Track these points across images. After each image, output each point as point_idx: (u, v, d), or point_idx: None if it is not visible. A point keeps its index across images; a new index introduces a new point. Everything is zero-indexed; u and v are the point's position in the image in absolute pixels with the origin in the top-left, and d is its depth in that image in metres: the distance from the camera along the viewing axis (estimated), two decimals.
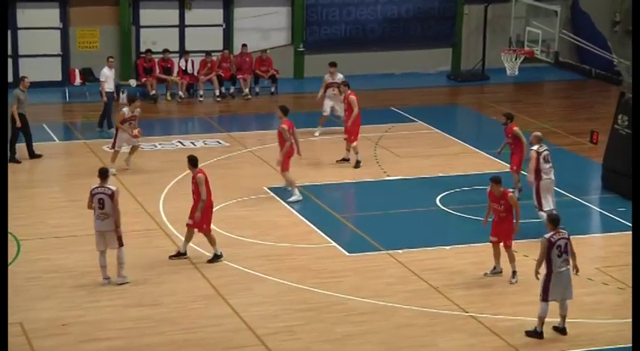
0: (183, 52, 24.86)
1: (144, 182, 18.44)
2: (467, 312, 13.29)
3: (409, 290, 13.96)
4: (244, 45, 24.88)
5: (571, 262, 12.68)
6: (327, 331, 12.79)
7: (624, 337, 12.66)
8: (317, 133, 21.28)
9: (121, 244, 13.92)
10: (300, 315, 13.18)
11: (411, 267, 14.70)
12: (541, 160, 15.93)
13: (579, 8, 27.27)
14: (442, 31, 27.07)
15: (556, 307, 12.63)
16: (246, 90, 24.54)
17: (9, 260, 14.27)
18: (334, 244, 15.60)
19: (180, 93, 24.18)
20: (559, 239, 12.44)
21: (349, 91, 19.39)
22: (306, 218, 16.64)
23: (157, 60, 24.18)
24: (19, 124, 19.04)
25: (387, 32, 26.69)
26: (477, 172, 19.01)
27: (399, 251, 15.27)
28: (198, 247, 15.25)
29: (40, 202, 17.19)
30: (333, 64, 21.41)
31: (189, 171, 18.66)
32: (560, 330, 12.67)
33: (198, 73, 24.41)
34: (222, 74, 24.55)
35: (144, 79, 23.99)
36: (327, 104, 21.29)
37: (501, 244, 14.26)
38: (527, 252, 15.19)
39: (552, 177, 16.10)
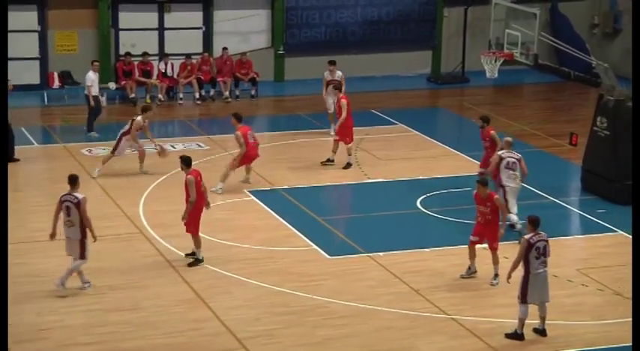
0: (162, 55, 24.78)
1: (123, 186, 18.35)
2: (448, 314, 13.31)
3: (390, 293, 13.96)
4: (225, 48, 24.84)
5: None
6: (308, 334, 12.77)
7: (604, 339, 12.73)
8: (332, 132, 21.07)
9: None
10: (280, 318, 13.15)
11: (391, 269, 14.71)
12: (502, 166, 15.92)
13: (558, 11, 27.42)
14: (422, 33, 27.13)
15: (535, 308, 12.67)
16: (227, 93, 24.49)
17: None
18: (315, 247, 15.58)
19: (160, 96, 24.11)
20: (538, 241, 12.49)
21: (341, 95, 19.47)
22: (286, 221, 16.62)
23: (136, 63, 24.09)
24: None
25: (367, 35, 26.73)
26: (458, 174, 19.06)
27: (380, 254, 15.28)
28: (179, 250, 15.19)
29: (20, 206, 17.07)
30: (332, 63, 21.46)
31: (169, 174, 18.58)
32: (540, 331, 12.71)
33: (177, 75, 24.34)
34: (202, 77, 24.50)
35: (123, 82, 23.90)
36: (329, 101, 21.28)
37: (482, 245, 14.27)
38: (508, 254, 15.23)
39: (513, 185, 15.96)
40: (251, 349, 12.36)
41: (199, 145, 20.71)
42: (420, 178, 18.80)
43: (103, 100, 22.64)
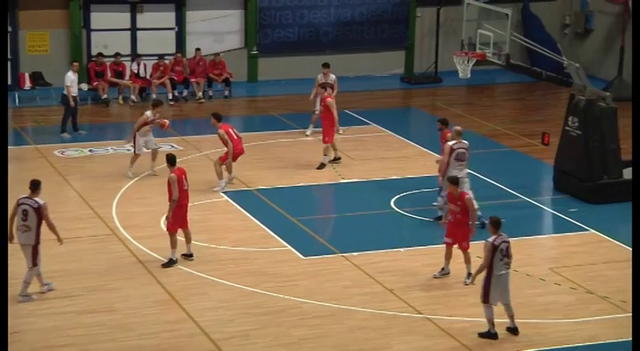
0: (135, 56, 24.67)
1: (96, 187, 18.25)
2: (422, 314, 13.36)
3: (364, 293, 13.99)
4: (198, 49, 24.77)
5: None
6: (283, 334, 12.77)
7: (576, 337, 12.83)
8: (308, 132, 21.26)
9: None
10: (255, 319, 13.14)
11: (366, 269, 14.73)
12: (452, 157, 16.05)
13: (530, 11, 27.59)
14: (395, 34, 27.21)
15: (501, 308, 12.72)
16: (200, 93, 24.42)
17: None
18: (289, 247, 15.58)
19: (133, 97, 24.00)
20: (501, 243, 12.57)
21: (326, 94, 19.55)
22: (261, 222, 16.61)
23: (108, 63, 23.97)
24: None
25: (340, 35, 26.75)
26: (431, 174, 19.07)
27: (354, 254, 15.30)
28: (152, 251, 15.14)
29: None
30: (326, 65, 21.50)
31: (142, 175, 18.53)
32: (512, 330, 12.78)
33: (150, 76, 24.24)
34: (175, 78, 24.42)
35: (95, 82, 23.76)
36: (318, 103, 21.28)
37: (456, 246, 14.34)
38: (482, 253, 15.31)
39: (461, 175, 16.04)
40: (226, 350, 12.34)
41: (172, 146, 20.63)
42: (394, 178, 18.85)
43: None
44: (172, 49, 25.32)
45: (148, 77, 24.26)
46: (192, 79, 24.53)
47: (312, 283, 14.32)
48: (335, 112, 19.33)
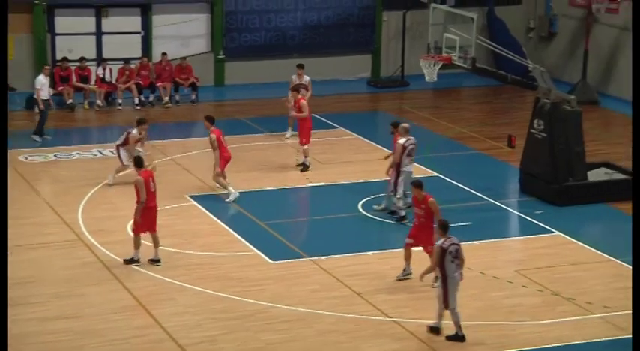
0: (100, 60, 24.52)
1: (62, 192, 18.12)
2: (390, 317, 13.39)
3: (333, 296, 14.00)
4: (164, 54, 24.66)
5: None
6: (251, 339, 12.75)
7: (542, 339, 12.93)
8: (288, 135, 21.24)
9: None
10: (223, 324, 13.11)
11: (334, 273, 14.75)
12: (404, 153, 16.48)
13: (495, 15, 27.78)
14: (362, 37, 27.28)
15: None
16: (166, 98, 24.32)
17: None
18: (257, 251, 15.56)
19: (99, 101, 23.85)
20: (450, 245, 12.65)
21: (299, 96, 19.60)
22: (228, 226, 16.57)
23: (73, 68, 23.80)
24: None
25: (307, 39, 26.78)
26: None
27: (323, 258, 15.31)
28: (119, 257, 15.05)
29: None
30: (300, 66, 21.53)
31: (107, 180, 18.41)
32: (435, 329, 12.80)
33: (116, 81, 24.11)
34: (142, 82, 24.30)
35: (60, 87, 23.57)
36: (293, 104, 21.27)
37: (419, 248, 14.38)
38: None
39: (410, 170, 16.69)
40: None
41: (139, 151, 20.48)
42: (361, 181, 18.88)
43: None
44: (138, 53, 25.20)
45: (113, 82, 24.12)
46: (159, 84, 24.43)
47: (280, 287, 14.31)
48: (305, 114, 19.36)
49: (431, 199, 14.29)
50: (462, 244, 15.92)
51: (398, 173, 16.64)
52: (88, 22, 25.05)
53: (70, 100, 23.58)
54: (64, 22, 24.87)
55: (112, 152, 20.23)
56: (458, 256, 12.68)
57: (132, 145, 18.04)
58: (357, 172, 19.44)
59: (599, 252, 15.76)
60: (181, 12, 25.91)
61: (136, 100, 24.03)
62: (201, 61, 25.79)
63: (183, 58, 24.88)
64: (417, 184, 14.38)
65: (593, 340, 12.95)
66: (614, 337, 13.00)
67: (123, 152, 18.18)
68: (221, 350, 12.46)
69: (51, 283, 14.12)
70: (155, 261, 14.86)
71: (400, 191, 16.68)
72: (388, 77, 27.30)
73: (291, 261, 15.25)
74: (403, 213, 16.62)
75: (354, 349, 12.59)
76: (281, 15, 26.52)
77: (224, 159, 17.65)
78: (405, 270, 14.48)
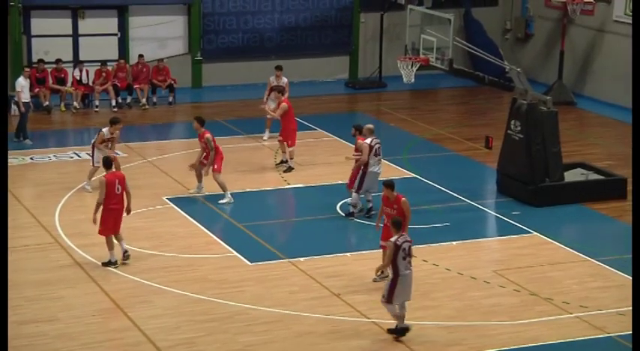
0: (77, 62, 24.38)
1: (38, 195, 18.01)
2: (369, 318, 13.40)
3: (311, 298, 13.99)
4: (141, 55, 24.57)
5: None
6: (230, 341, 12.71)
7: (520, 338, 12.97)
8: (265, 137, 21.25)
9: None
10: (201, 326, 13.07)
11: (312, 275, 14.74)
12: (371, 153, 16.65)
13: (471, 16, 27.88)
14: (339, 39, 27.30)
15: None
16: (144, 100, 24.23)
17: None
18: (235, 253, 15.52)
19: (75, 103, 23.72)
20: (404, 242, 12.69)
21: (283, 98, 19.62)
22: (206, 228, 16.53)
23: (49, 70, 23.66)
24: None
25: (284, 41, 26.76)
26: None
27: (301, 259, 15.30)
28: (96, 259, 14.97)
29: None
30: (279, 68, 21.50)
31: (85, 183, 18.32)
32: (401, 330, 12.82)
33: (93, 83, 23.99)
34: (119, 84, 24.20)
35: (36, 89, 23.39)
36: (270, 106, 21.25)
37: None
38: (427, 257, 15.44)
39: (378, 170, 16.83)
40: None
41: (117, 153, 20.40)
42: (340, 182, 18.88)
43: (15, 108, 22.28)
44: (115, 55, 25.08)
45: (90, 84, 23.99)
46: (136, 86, 24.33)
47: (259, 289, 14.28)
48: (280, 112, 19.34)
49: (403, 198, 14.29)
50: (440, 244, 16.09)
51: (364, 172, 16.73)
52: (64, 24, 24.90)
53: (47, 103, 23.44)
54: (39, 23, 24.72)
55: (88, 154, 20.15)
56: (410, 254, 12.73)
57: (98, 145, 17.84)
58: (336, 174, 19.44)
59: (575, 252, 15.85)
60: (158, 13, 25.82)
61: (113, 102, 23.92)
62: (178, 62, 25.72)
63: (161, 60, 24.79)
64: (389, 184, 14.37)
65: (571, 339, 13.02)
66: (591, 337, 13.07)
67: (96, 151, 18.06)
68: None
69: (27, 287, 14.02)
70: (123, 253, 14.83)
71: (363, 189, 16.76)
72: (366, 78, 27.34)
73: (270, 263, 15.23)
74: (354, 210, 16.83)
75: (333, 350, 12.58)
76: (258, 17, 26.49)
77: (220, 157, 17.66)
78: (382, 272, 14.48)
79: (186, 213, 17.16)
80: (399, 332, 12.75)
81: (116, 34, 25.47)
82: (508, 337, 12.98)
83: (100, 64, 24.11)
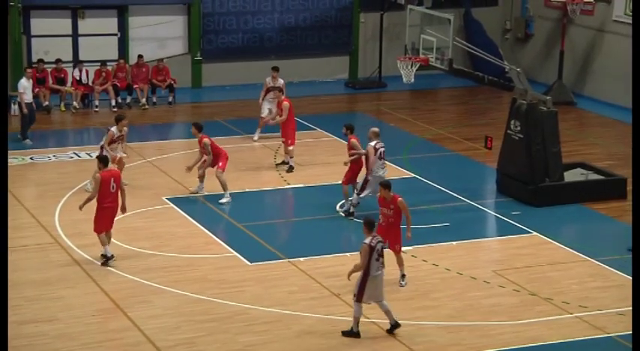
0: (77, 62, 24.38)
1: (38, 195, 18.01)
2: (368, 318, 13.39)
3: (311, 298, 13.99)
4: (140, 56, 24.56)
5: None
6: (230, 341, 12.71)
7: (520, 338, 12.98)
8: (256, 137, 21.31)
9: None
10: (201, 326, 13.07)
11: (312, 275, 14.74)
12: (376, 156, 16.58)
13: (471, 16, 27.89)
14: (339, 39, 27.30)
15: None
16: (143, 100, 24.23)
17: None
18: (235, 253, 15.52)
19: (75, 103, 23.72)
20: (377, 243, 12.70)
21: (283, 97, 19.60)
22: (206, 228, 16.52)
23: (49, 70, 23.66)
24: None
25: (284, 41, 26.76)
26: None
27: (301, 259, 15.30)
28: (96, 259, 14.97)
29: None
30: (275, 69, 21.50)
31: (84, 183, 18.31)
32: (394, 326, 12.86)
33: (93, 82, 23.99)
34: (118, 84, 24.19)
35: (36, 89, 23.39)
36: (265, 107, 21.31)
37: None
38: (426, 257, 15.44)
39: (382, 174, 16.70)
40: None
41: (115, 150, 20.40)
42: (339, 182, 18.87)
43: (15, 108, 22.35)
44: (115, 55, 25.08)
45: (90, 84, 23.99)
46: (136, 86, 24.33)
47: (259, 289, 14.28)
48: (285, 116, 19.41)
49: (400, 198, 14.30)
50: (440, 244, 16.09)
51: (368, 175, 16.67)
52: (64, 24, 24.90)
53: (46, 103, 23.44)
54: (39, 23, 24.72)
55: (88, 154, 20.16)
56: (382, 255, 12.75)
57: (106, 145, 17.67)
58: (335, 174, 19.41)
59: (575, 252, 15.85)
60: (158, 13, 25.82)
61: (113, 102, 23.92)
62: (178, 62, 25.72)
63: (161, 60, 24.79)
64: (386, 184, 14.38)
65: (571, 339, 13.02)
66: (591, 337, 13.07)
67: (105, 153, 17.91)
68: None
69: (26, 287, 14.02)
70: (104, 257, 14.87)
71: (366, 192, 16.68)
72: (366, 78, 27.34)
73: (270, 263, 15.23)
74: (353, 209, 16.82)
75: (333, 350, 12.58)
76: (258, 17, 26.49)
77: (225, 157, 17.72)
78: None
79: (185, 213, 17.16)
80: (352, 334, 12.74)
81: (116, 34, 25.47)
82: (508, 337, 12.98)
83: (99, 64, 24.11)
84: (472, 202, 18.17)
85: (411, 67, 21.02)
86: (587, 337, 13.05)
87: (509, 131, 18.50)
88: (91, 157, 19.36)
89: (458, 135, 22.56)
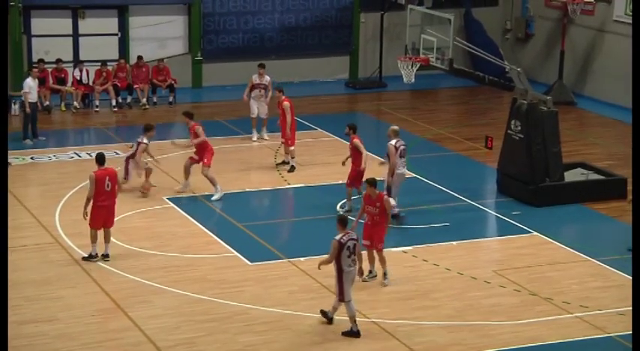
0: (77, 62, 24.38)
1: (39, 195, 18.02)
2: (369, 318, 13.40)
3: (311, 298, 13.98)
4: (140, 57, 24.55)
5: (357, 264, 13.08)
6: (230, 341, 12.71)
7: (521, 338, 12.98)
8: (254, 138, 21.29)
9: None
10: (201, 326, 13.06)
11: (312, 274, 14.73)
12: (397, 154, 16.49)
13: (472, 16, 27.88)
14: (340, 39, 27.30)
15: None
16: (144, 100, 24.23)
17: None
18: (235, 253, 15.52)
19: (75, 103, 23.72)
20: (348, 241, 12.75)
21: (283, 97, 19.58)
22: (206, 228, 16.52)
23: (50, 70, 23.66)
24: None
25: (285, 41, 26.76)
26: (377, 178, 19.17)
27: (301, 259, 15.30)
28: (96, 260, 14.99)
29: None
30: (262, 66, 21.48)
31: (85, 183, 18.33)
32: (329, 319, 12.94)
33: (93, 82, 23.98)
34: (119, 84, 24.19)
35: (37, 89, 23.38)
36: (253, 106, 21.31)
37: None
38: (427, 257, 15.44)
39: (404, 171, 16.67)
40: None
41: (117, 153, 20.43)
42: (340, 182, 18.87)
43: (16, 108, 22.35)
44: (115, 55, 25.08)
45: (90, 83, 23.99)
46: (136, 86, 24.33)
47: (259, 289, 14.28)
48: (289, 117, 19.42)
49: (385, 196, 14.31)
50: (441, 244, 16.09)
51: (391, 175, 16.54)
52: (64, 24, 24.90)
53: (47, 103, 23.44)
54: (40, 23, 24.72)
55: (89, 154, 20.17)
56: (355, 252, 12.76)
57: (139, 156, 17.66)
58: (335, 174, 19.42)
59: (575, 252, 15.85)
60: (159, 13, 25.82)
61: (114, 102, 23.93)
62: (178, 62, 25.72)
63: (161, 60, 24.79)
64: (371, 182, 14.37)
65: (571, 339, 13.02)
66: (591, 337, 13.07)
67: (131, 164, 17.86)
68: None
69: (27, 286, 14.02)
70: (104, 256, 14.90)
71: (394, 192, 16.53)
72: (366, 78, 27.33)
73: (270, 263, 15.22)
74: (396, 210, 16.55)
75: (333, 350, 12.58)
76: (259, 17, 26.49)
77: (210, 152, 17.72)
78: (370, 272, 14.54)
79: (186, 213, 17.16)
80: (353, 334, 12.76)
81: (116, 34, 25.47)
82: (508, 337, 12.98)
83: (100, 64, 24.11)
84: (472, 202, 18.17)
85: (412, 67, 21.01)
86: (587, 337, 13.05)
87: (509, 131, 18.50)
88: (92, 157, 19.25)
89: (458, 135, 22.56)
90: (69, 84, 23.88)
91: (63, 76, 23.83)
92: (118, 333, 12.82)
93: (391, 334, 12.98)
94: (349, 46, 27.39)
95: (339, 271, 12.69)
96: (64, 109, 23.75)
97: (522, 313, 13.69)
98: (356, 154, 17.20)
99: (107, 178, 14.81)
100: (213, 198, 17.64)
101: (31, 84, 21.09)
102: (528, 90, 18.36)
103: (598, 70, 25.71)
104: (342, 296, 12.71)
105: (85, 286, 14.20)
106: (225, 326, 13.08)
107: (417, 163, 20.20)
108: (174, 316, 13.32)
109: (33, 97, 21.15)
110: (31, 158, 20.11)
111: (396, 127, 16.97)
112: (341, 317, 13.29)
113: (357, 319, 13.16)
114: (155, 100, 24.56)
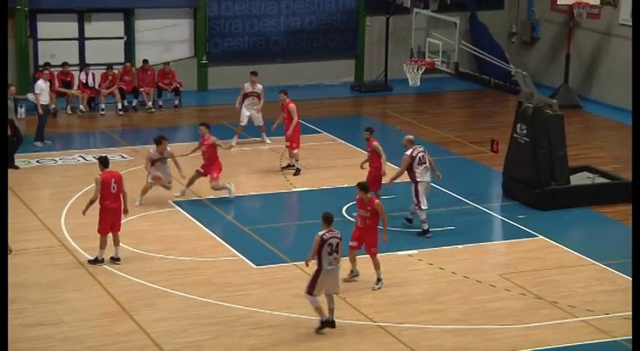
0: (83, 65, 24.43)
1: (45, 198, 18.05)
2: (374, 321, 13.39)
3: None
4: (145, 61, 24.59)
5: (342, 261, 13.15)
6: (235, 344, 12.72)
7: (527, 342, 12.96)
8: (234, 143, 21.33)
9: None
10: (207, 329, 13.07)
11: None
12: (415, 163, 16.25)
13: (477, 20, 27.89)
14: (345, 42, 27.32)
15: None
16: (149, 103, 24.27)
17: None
18: (241, 256, 15.53)
19: (81, 107, 23.77)
20: (331, 238, 12.79)
21: (288, 100, 19.56)
22: (211, 231, 16.53)
23: (56, 73, 23.71)
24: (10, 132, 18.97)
25: (290, 44, 26.79)
26: (381, 181, 19.17)
27: None
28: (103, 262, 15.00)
29: None
30: (254, 73, 21.50)
31: (90, 186, 18.34)
32: (330, 323, 12.94)
33: (99, 86, 24.03)
34: (125, 87, 24.24)
35: None
36: (245, 114, 21.35)
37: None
38: (432, 260, 15.43)
39: (427, 179, 16.45)
40: None
41: (122, 156, 20.47)
42: (345, 186, 18.88)
43: (22, 111, 22.42)
44: (121, 58, 25.14)
45: (96, 87, 24.04)
46: (142, 89, 24.36)
47: (264, 292, 14.28)
48: (296, 118, 19.46)
49: (377, 200, 14.35)
50: (446, 248, 16.07)
51: (416, 185, 16.33)
52: (70, 27, 24.96)
53: (53, 106, 23.47)
54: (46, 27, 24.78)
55: (94, 158, 20.17)
56: (337, 250, 12.76)
57: (147, 163, 17.56)
58: (341, 177, 19.45)
59: (581, 256, 15.83)
60: (164, 17, 25.87)
61: (119, 106, 23.97)
62: (184, 66, 25.76)
63: (167, 63, 24.83)
64: (363, 186, 14.37)
65: (577, 343, 13.00)
66: (597, 341, 13.05)
67: (152, 170, 17.62)
68: None
69: (32, 289, 14.03)
70: (115, 260, 14.91)
71: (424, 202, 16.28)
72: (371, 82, 27.35)
73: (275, 266, 15.23)
74: (426, 226, 16.35)
75: None
76: (264, 20, 26.52)
77: (219, 167, 17.87)
78: (352, 272, 14.55)
79: (191, 216, 17.18)
80: (328, 324, 12.88)
81: (122, 38, 25.52)
82: (514, 341, 12.96)
83: (106, 67, 24.16)
84: (478, 205, 18.15)
85: (417, 70, 20.99)
86: (593, 341, 13.03)
87: (515, 135, 18.49)
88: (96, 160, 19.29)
89: (464, 138, 22.55)
90: (75, 87, 23.93)
91: (69, 79, 23.88)
92: (123, 336, 12.83)
93: (396, 337, 12.98)
94: (355, 49, 27.41)
95: (319, 268, 12.76)
96: (70, 112, 23.80)
97: (528, 316, 13.67)
98: (375, 157, 17.15)
99: (113, 180, 14.86)
100: (231, 195, 17.66)
101: (42, 86, 21.17)
102: (534, 93, 18.35)
103: (604, 73, 25.69)
104: (311, 289, 12.76)
105: (91, 289, 14.22)
106: (231, 329, 13.08)
107: None
108: (179, 320, 13.33)
109: (45, 98, 21.20)
110: (37, 161, 20.15)
111: (411, 137, 16.80)
112: (341, 319, 13.29)
113: (362, 321, 13.15)
114: (161, 103, 24.60)
